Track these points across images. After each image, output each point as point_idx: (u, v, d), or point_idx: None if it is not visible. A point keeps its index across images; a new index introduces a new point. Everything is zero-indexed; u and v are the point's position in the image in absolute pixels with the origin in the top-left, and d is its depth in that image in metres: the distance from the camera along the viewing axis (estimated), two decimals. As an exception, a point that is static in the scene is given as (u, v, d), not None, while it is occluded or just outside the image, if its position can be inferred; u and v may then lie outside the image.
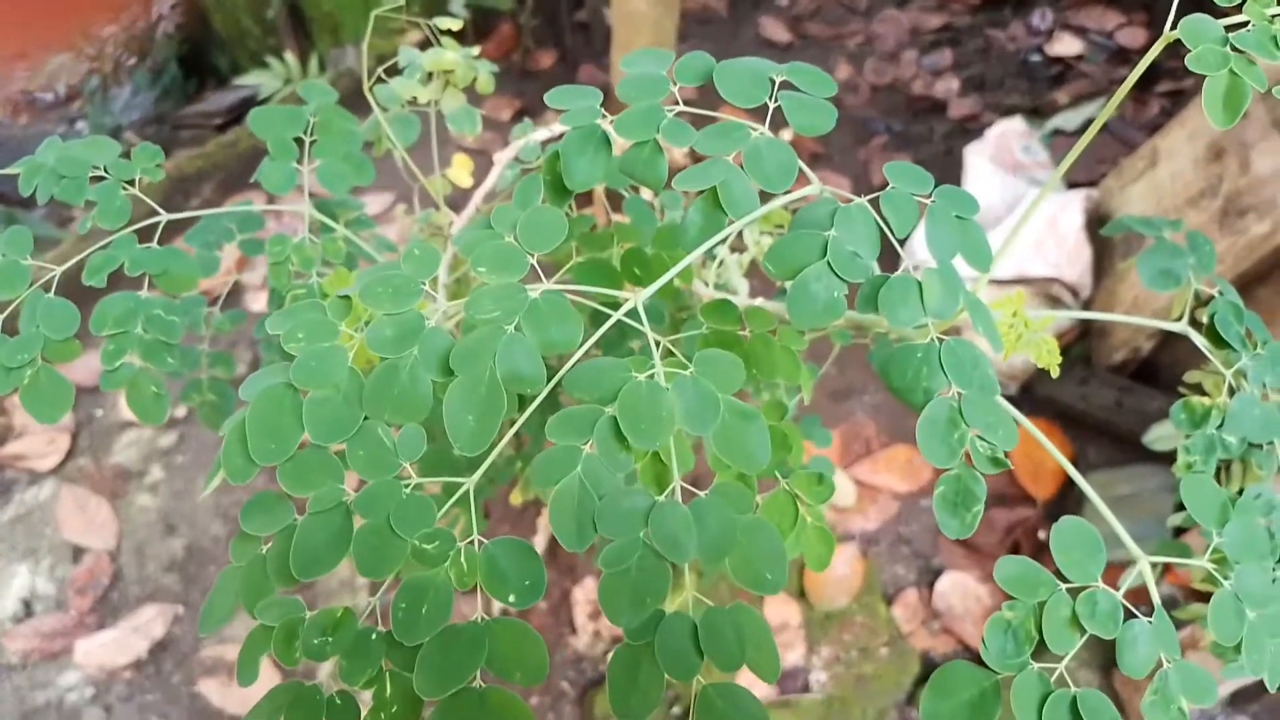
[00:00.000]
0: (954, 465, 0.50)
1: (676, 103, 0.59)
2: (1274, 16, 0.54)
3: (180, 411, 2.08)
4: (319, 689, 0.45)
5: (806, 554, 0.62)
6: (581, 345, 0.48)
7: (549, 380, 0.47)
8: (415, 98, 0.94)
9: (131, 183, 0.73)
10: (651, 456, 0.49)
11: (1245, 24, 0.54)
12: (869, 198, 0.54)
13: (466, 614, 0.45)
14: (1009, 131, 2.33)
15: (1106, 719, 0.49)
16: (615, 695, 0.44)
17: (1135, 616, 0.53)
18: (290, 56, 2.84)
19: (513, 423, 0.52)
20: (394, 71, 0.95)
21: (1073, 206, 2.02)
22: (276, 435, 0.45)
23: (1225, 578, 0.57)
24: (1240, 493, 0.74)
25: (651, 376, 0.47)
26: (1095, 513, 0.60)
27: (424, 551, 0.44)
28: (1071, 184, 2.20)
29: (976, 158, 2.27)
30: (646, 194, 0.98)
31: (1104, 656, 1.59)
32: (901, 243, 0.54)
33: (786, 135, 0.58)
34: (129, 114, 2.82)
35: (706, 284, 0.94)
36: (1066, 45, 2.76)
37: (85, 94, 2.72)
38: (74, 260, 0.69)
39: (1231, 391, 0.72)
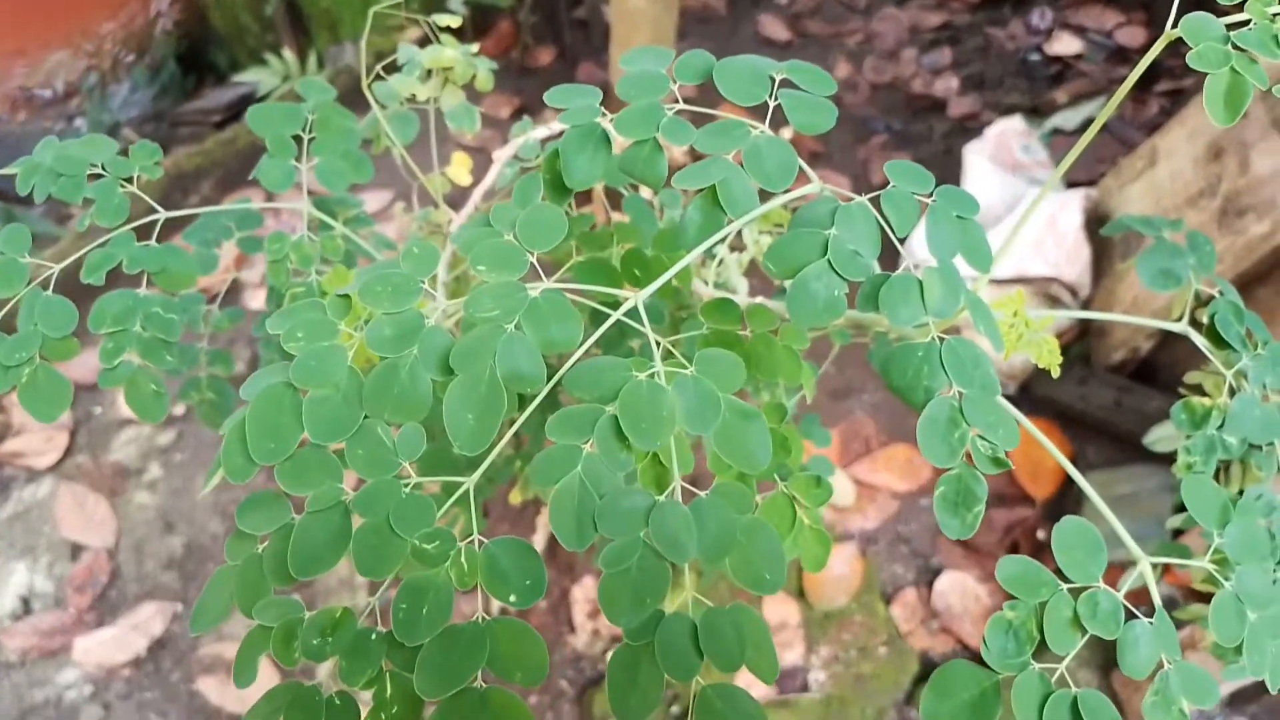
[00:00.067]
0: (955, 465, 0.49)
1: (676, 101, 0.59)
2: (1275, 15, 0.53)
3: (178, 409, 2.08)
4: (318, 689, 0.45)
5: (803, 555, 0.62)
6: (581, 344, 0.48)
7: (549, 379, 0.47)
8: (414, 95, 0.94)
9: (129, 180, 0.73)
10: (651, 457, 0.49)
11: (1246, 22, 0.54)
12: (869, 196, 0.54)
13: (465, 613, 0.44)
14: (1008, 130, 2.33)
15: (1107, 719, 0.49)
16: (615, 695, 0.44)
17: (1136, 617, 0.53)
18: (289, 53, 2.83)
19: (512, 422, 0.52)
20: (393, 69, 0.94)
21: (1072, 206, 2.02)
22: (276, 434, 0.45)
23: (1226, 579, 0.57)
24: (1240, 493, 0.74)
25: (652, 376, 0.47)
26: (1094, 512, 0.60)
27: (424, 551, 0.43)
28: (1071, 183, 2.20)
29: (976, 157, 2.27)
30: (646, 192, 0.97)
31: (1103, 656, 1.59)
32: (901, 241, 0.54)
33: (786, 133, 0.58)
34: (127, 111, 2.82)
35: (706, 283, 0.93)
36: (1066, 44, 2.76)
37: (83, 91, 2.72)
38: (72, 258, 0.69)
39: (1232, 392, 0.72)
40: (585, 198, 1.02)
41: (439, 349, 0.47)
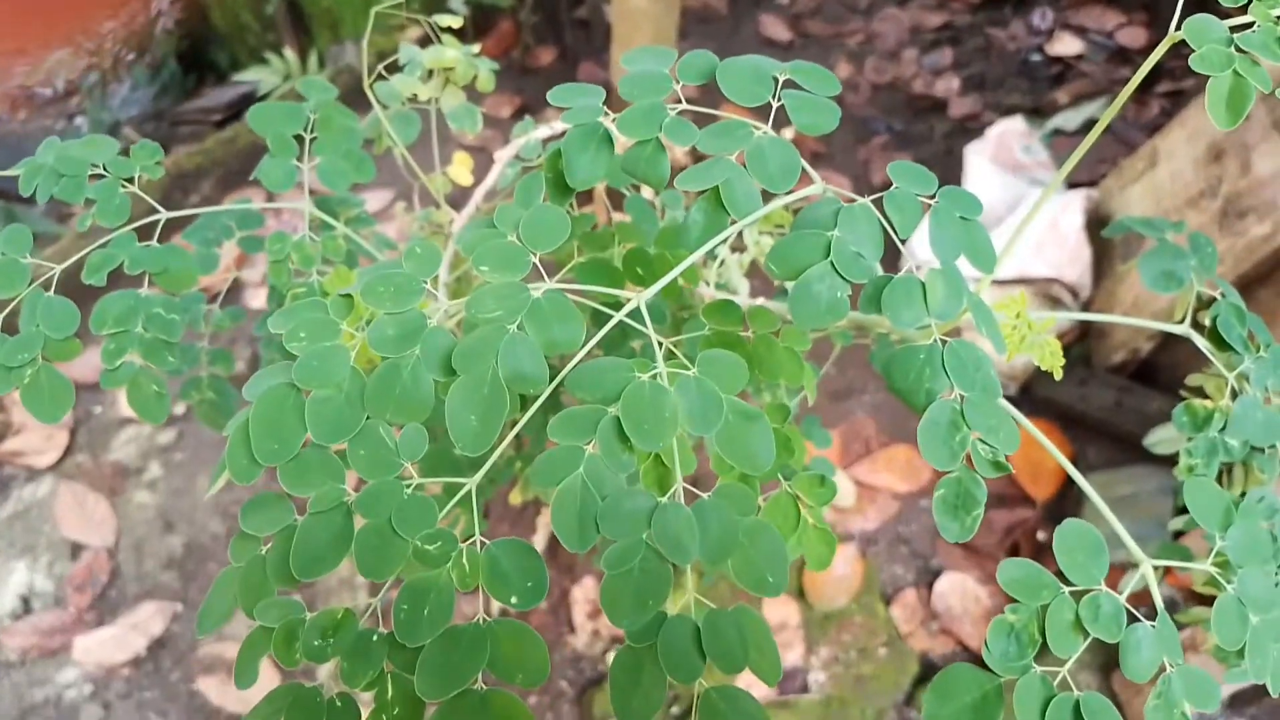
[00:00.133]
0: (955, 468, 0.49)
1: (679, 101, 0.59)
2: (1279, 17, 0.53)
3: (179, 409, 2.08)
4: (319, 691, 0.45)
5: (808, 555, 0.62)
6: (584, 345, 0.48)
7: (551, 380, 0.47)
8: (415, 95, 0.94)
9: (130, 180, 0.72)
10: (654, 458, 0.49)
11: (1250, 25, 0.54)
12: (872, 198, 0.54)
13: (466, 613, 0.44)
14: (1009, 131, 2.33)
15: (1109, 722, 0.49)
16: (617, 697, 0.44)
17: (1138, 620, 0.53)
18: (289, 52, 2.83)
19: (514, 423, 0.52)
20: (394, 68, 0.94)
21: (1073, 207, 2.02)
22: (279, 435, 0.45)
23: (1228, 582, 0.57)
24: (1243, 496, 0.74)
25: (654, 377, 0.47)
26: (1095, 514, 0.60)
27: (426, 552, 0.43)
28: (1072, 184, 2.20)
29: (977, 157, 2.27)
30: (647, 192, 0.97)
31: (1103, 657, 1.59)
32: (903, 242, 0.54)
33: (788, 134, 0.58)
34: (127, 110, 2.81)
35: (708, 283, 0.93)
36: (1067, 45, 2.76)
37: (84, 90, 2.72)
38: (74, 259, 0.69)
39: (1234, 395, 0.72)
40: (587, 197, 1.02)
41: (441, 349, 0.47)
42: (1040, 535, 1.79)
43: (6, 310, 0.66)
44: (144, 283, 0.72)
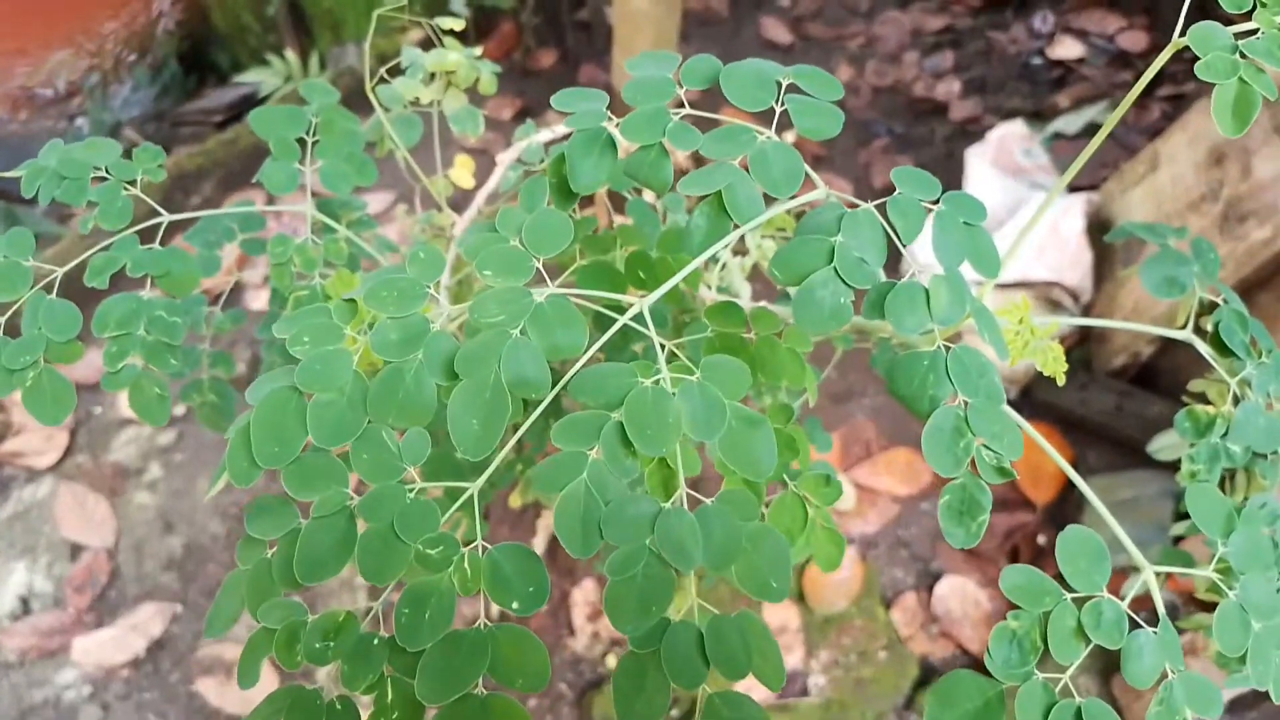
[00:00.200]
0: (959, 474, 0.49)
1: (682, 105, 0.59)
2: (1283, 24, 0.53)
3: (179, 410, 2.08)
4: (319, 693, 0.45)
5: (817, 555, 0.62)
6: (587, 350, 0.48)
7: (553, 384, 0.47)
8: (417, 98, 0.94)
9: (133, 183, 0.72)
10: (658, 460, 0.49)
11: (1254, 31, 0.54)
12: (876, 203, 0.54)
13: (465, 615, 0.44)
14: (1010, 134, 2.33)
15: (1111, 729, 0.49)
16: (620, 702, 0.44)
17: (1139, 626, 0.53)
18: (291, 54, 2.83)
19: (515, 427, 0.52)
20: (396, 71, 0.94)
21: (1074, 210, 2.02)
22: (281, 438, 0.45)
23: (1230, 588, 0.57)
24: (1245, 500, 0.74)
25: (657, 382, 0.47)
26: (1095, 517, 0.60)
27: (428, 557, 0.43)
28: (1072, 187, 2.20)
29: (977, 160, 2.27)
30: (649, 195, 0.97)
31: (1103, 662, 1.59)
32: (904, 245, 0.54)
33: (789, 137, 0.58)
34: (129, 110, 2.81)
35: (709, 287, 0.93)
36: (1068, 48, 2.76)
37: (85, 90, 2.72)
38: (76, 261, 0.69)
39: (1236, 400, 0.72)
40: (588, 200, 1.02)
41: (444, 354, 0.47)
42: (1040, 539, 1.79)
43: (9, 313, 0.66)
44: (146, 285, 0.72)
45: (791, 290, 0.53)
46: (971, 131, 2.57)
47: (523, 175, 0.96)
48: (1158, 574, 0.57)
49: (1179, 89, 2.46)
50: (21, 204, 2.43)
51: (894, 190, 0.55)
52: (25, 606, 1.80)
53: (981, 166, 2.24)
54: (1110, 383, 1.92)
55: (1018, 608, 0.52)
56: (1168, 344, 1.87)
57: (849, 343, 1.02)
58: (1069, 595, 0.52)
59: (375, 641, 0.44)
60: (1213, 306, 0.75)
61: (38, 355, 0.63)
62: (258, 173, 0.80)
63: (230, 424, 0.74)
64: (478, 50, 0.96)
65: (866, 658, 1.67)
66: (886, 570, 1.79)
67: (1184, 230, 0.82)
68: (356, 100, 0.88)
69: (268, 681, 1.41)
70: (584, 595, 1.75)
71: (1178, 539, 1.57)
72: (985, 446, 0.49)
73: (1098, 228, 2.04)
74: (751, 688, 0.45)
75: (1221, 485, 0.73)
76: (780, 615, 1.71)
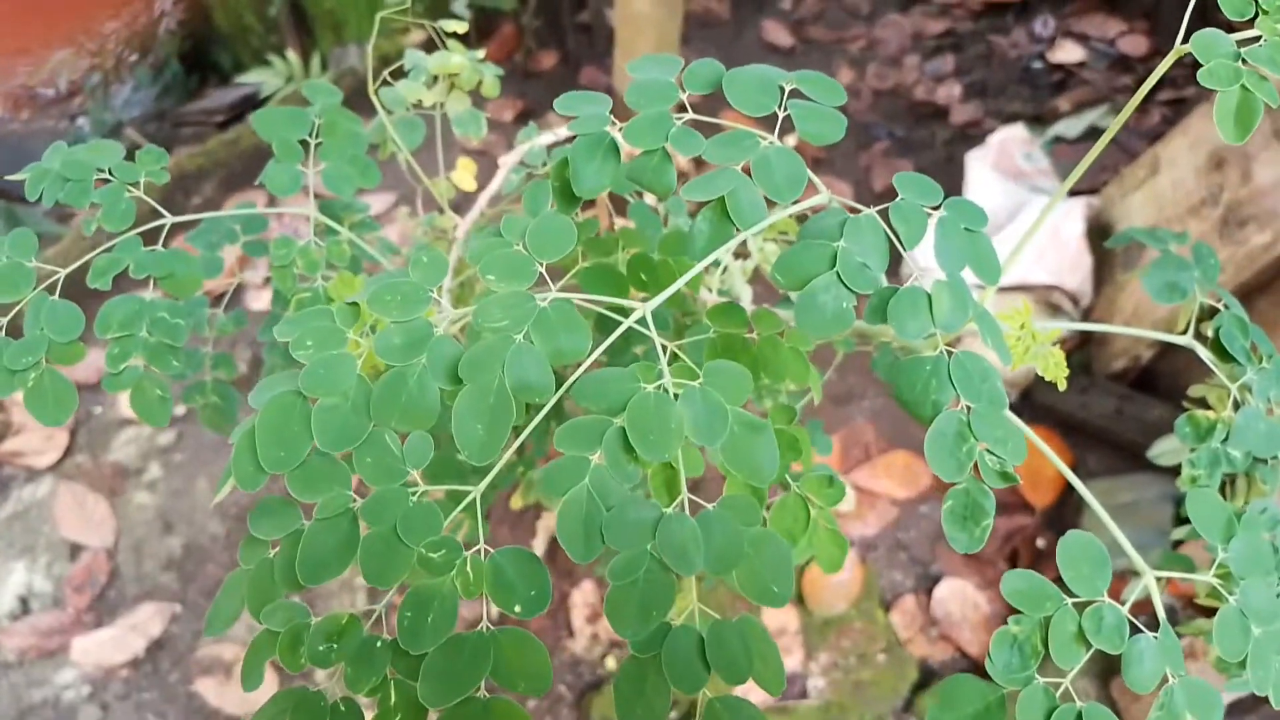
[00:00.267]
0: (962, 479, 0.50)
1: (685, 109, 0.59)
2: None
3: (179, 410, 2.08)
4: (323, 695, 0.45)
5: (819, 557, 0.62)
6: (590, 354, 0.48)
7: (556, 388, 0.47)
8: (420, 100, 0.94)
9: (135, 185, 0.73)
10: (661, 462, 0.49)
11: (1256, 39, 0.54)
12: (878, 209, 0.54)
13: (465, 616, 0.44)
14: (1010, 138, 2.33)
15: (1112, 734, 0.49)
16: (621, 707, 0.44)
17: (1139, 630, 0.53)
18: (292, 54, 2.83)
19: (518, 430, 0.52)
20: (398, 73, 0.94)
21: (1074, 214, 2.03)
22: (286, 443, 0.45)
23: (1230, 593, 0.57)
24: (1245, 504, 0.74)
25: (660, 387, 0.47)
26: (1095, 521, 0.60)
27: (430, 560, 0.43)
28: (1073, 191, 2.20)
29: (978, 164, 2.27)
30: (650, 197, 0.98)
31: (1101, 665, 1.59)
32: (906, 249, 0.54)
33: (790, 140, 0.58)
34: (130, 110, 2.82)
35: (711, 290, 0.93)
36: (1068, 52, 2.76)
37: (86, 90, 2.72)
38: (79, 263, 0.69)
39: (1236, 405, 0.72)
40: (589, 202, 1.02)
41: (447, 358, 0.47)
42: (1040, 542, 1.79)
43: (12, 313, 0.66)
44: (148, 286, 0.72)
45: (793, 294, 0.53)
46: (972, 135, 2.57)
47: (525, 178, 0.96)
48: (1157, 579, 0.57)
49: (1179, 93, 2.47)
50: (22, 203, 2.43)
51: (894, 194, 0.55)
52: (24, 606, 1.80)
53: (982, 170, 2.24)
54: (1110, 386, 1.92)
55: (1017, 611, 0.52)
56: (1168, 348, 1.87)
57: (850, 346, 1.02)
58: (1070, 600, 0.53)
59: (378, 644, 0.45)
60: (1213, 311, 0.75)
61: (40, 356, 0.63)
62: (260, 174, 0.80)
63: (232, 425, 0.74)
64: (480, 53, 0.96)
65: (865, 660, 1.67)
66: (886, 573, 1.79)
67: (1185, 235, 0.82)
68: (358, 101, 0.88)
69: (266, 682, 1.41)
70: (583, 597, 1.75)
71: (1177, 543, 1.57)
72: (988, 451, 0.49)
73: (1098, 231, 2.04)
74: (750, 690, 0.45)
75: (1221, 490, 0.73)
76: (779, 617, 1.71)
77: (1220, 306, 0.75)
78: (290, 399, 0.46)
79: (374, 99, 0.90)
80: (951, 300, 0.50)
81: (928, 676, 1.65)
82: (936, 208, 0.55)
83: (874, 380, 2.06)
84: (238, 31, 2.94)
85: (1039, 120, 2.58)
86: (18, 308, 0.66)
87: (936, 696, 0.51)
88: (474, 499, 0.49)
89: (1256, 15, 0.55)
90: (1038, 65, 2.79)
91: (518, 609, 0.44)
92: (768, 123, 0.58)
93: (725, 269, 0.98)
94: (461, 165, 1.08)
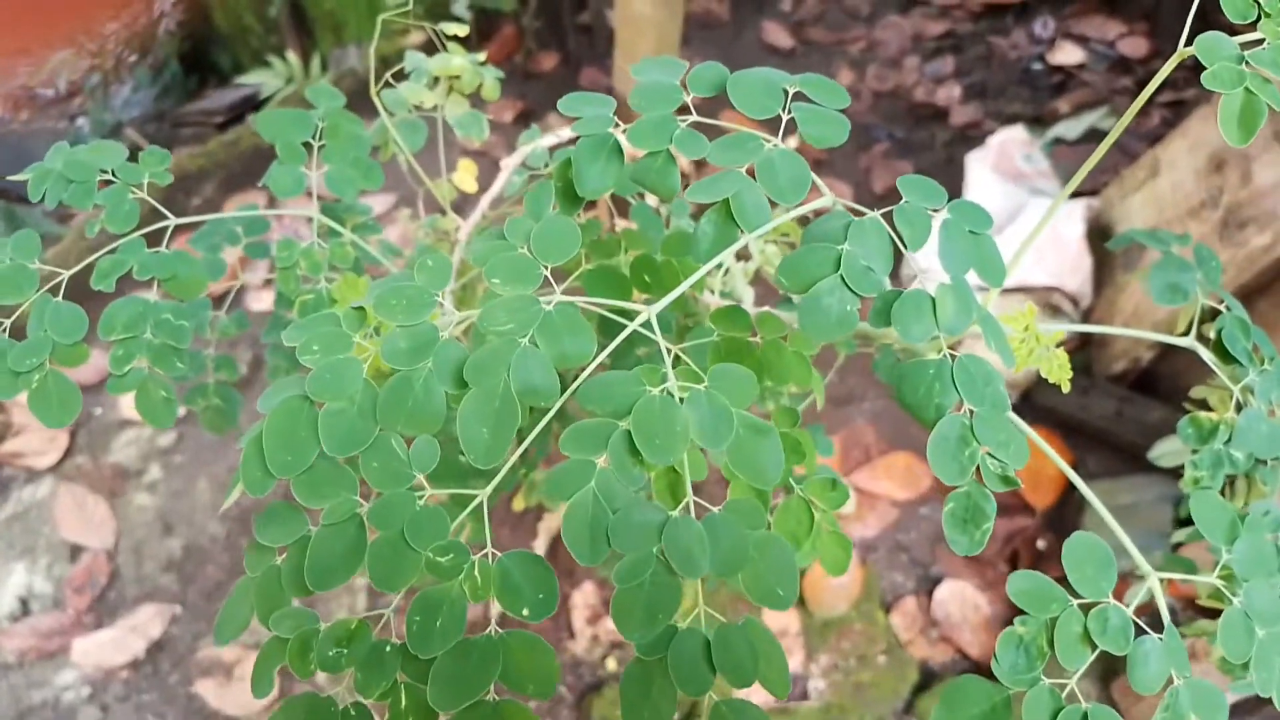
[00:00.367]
0: (964, 483, 0.50)
1: (689, 112, 0.59)
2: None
3: (179, 411, 2.07)
4: (334, 700, 0.45)
5: (823, 559, 0.62)
6: (595, 358, 0.48)
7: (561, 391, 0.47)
8: (421, 102, 0.94)
9: (139, 186, 0.73)
10: (666, 466, 0.49)
11: (1259, 41, 0.54)
12: (882, 211, 0.54)
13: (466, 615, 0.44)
14: (1010, 140, 2.33)
15: (1117, 735, 0.49)
16: (627, 709, 0.44)
17: (1144, 632, 0.53)
18: (292, 55, 2.83)
19: (522, 435, 0.52)
20: (398, 74, 0.94)
21: (1074, 216, 2.03)
22: (293, 447, 0.45)
23: (1234, 595, 0.57)
24: (1245, 507, 0.74)
25: (665, 390, 0.47)
26: (1095, 523, 0.60)
27: (438, 564, 0.43)
28: (1073, 193, 2.20)
29: (978, 165, 2.27)
30: (652, 198, 0.98)
31: (1102, 666, 1.59)
32: (911, 251, 0.54)
33: (792, 142, 0.58)
34: (129, 111, 2.81)
35: (713, 291, 0.94)
36: (1068, 54, 2.76)
37: (86, 90, 2.72)
38: (83, 264, 0.69)
39: (1239, 407, 0.72)
40: (591, 202, 1.02)
41: (453, 362, 0.47)
42: (1040, 544, 1.79)
43: (15, 315, 0.66)
44: (150, 287, 0.72)
45: (795, 297, 0.53)
46: (972, 136, 2.57)
47: (527, 179, 0.96)
48: (1160, 580, 0.57)
49: (1179, 95, 2.47)
50: (22, 204, 2.43)
51: (895, 195, 0.55)
52: (24, 607, 1.80)
53: (982, 172, 2.24)
54: (1110, 388, 1.92)
55: (1019, 612, 0.52)
56: (1168, 349, 1.87)
57: (851, 348, 1.03)
58: (1075, 601, 0.53)
59: (388, 649, 0.45)
60: (1214, 313, 0.75)
61: (44, 358, 0.63)
62: (263, 176, 0.80)
63: (234, 427, 0.74)
64: (481, 55, 0.96)
65: (866, 662, 1.67)
66: (886, 574, 1.79)
67: (1187, 237, 0.82)
68: (358, 102, 0.88)
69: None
70: (584, 598, 1.75)
71: (1177, 545, 1.57)
72: (990, 455, 0.49)
73: (1098, 233, 2.05)
74: (750, 691, 0.45)
75: (1222, 491, 0.73)
76: (780, 619, 1.71)
77: (1222, 308, 0.75)
78: (297, 403, 0.46)
79: (376, 101, 0.90)
80: (956, 303, 0.50)
81: (928, 678, 1.65)
82: (936, 210, 0.55)
83: (874, 382, 2.06)
84: (237, 32, 2.94)
85: (1039, 122, 2.58)
86: (21, 309, 0.66)
87: (942, 697, 0.51)
88: (481, 502, 0.49)
89: (1259, 18, 0.55)
90: (1037, 67, 2.79)
91: (526, 612, 0.44)
92: (768, 124, 0.58)
93: (727, 271, 0.98)
94: (462, 167, 1.08)
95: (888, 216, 0.54)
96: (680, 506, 0.47)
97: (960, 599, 1.73)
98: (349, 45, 2.84)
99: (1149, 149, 2.09)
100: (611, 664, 1.68)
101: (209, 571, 1.86)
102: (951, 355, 0.51)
